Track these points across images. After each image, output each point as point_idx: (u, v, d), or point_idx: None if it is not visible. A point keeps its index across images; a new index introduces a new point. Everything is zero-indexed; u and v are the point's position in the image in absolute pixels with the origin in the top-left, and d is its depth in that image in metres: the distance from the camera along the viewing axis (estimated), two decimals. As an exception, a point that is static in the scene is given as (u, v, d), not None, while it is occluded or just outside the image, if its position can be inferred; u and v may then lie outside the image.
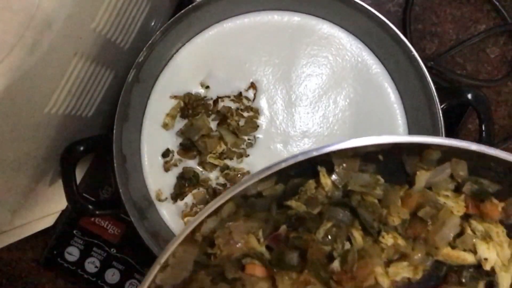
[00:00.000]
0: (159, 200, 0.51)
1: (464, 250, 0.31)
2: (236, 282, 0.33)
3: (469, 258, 0.31)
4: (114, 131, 0.46)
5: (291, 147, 0.52)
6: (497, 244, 0.31)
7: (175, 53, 0.52)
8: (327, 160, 0.33)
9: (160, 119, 0.51)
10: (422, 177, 0.31)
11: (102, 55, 0.45)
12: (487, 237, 0.31)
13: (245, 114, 0.51)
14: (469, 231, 0.31)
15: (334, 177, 0.33)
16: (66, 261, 0.57)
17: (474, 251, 0.31)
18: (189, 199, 0.51)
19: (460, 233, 0.31)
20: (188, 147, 0.51)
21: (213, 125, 0.51)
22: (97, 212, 0.49)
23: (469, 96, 0.47)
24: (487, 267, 0.32)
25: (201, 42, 0.52)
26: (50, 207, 0.52)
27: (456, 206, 0.30)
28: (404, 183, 0.33)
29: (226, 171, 0.51)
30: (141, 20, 0.49)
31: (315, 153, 0.31)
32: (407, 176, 0.33)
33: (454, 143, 0.28)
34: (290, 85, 0.52)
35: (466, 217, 0.31)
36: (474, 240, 0.31)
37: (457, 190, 0.31)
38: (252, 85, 0.52)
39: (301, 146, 0.52)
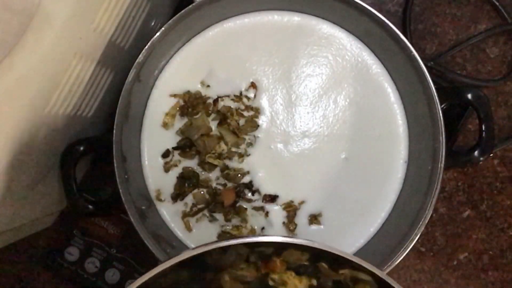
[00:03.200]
0: (159, 200, 0.51)
1: None
2: None
3: None
4: (114, 131, 0.46)
5: (291, 146, 0.52)
6: (291, 285, 0.40)
7: (175, 53, 0.52)
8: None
9: (160, 119, 0.51)
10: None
11: (102, 55, 0.45)
12: (283, 283, 0.40)
13: (246, 113, 0.51)
14: (271, 282, 0.41)
15: None
16: (66, 261, 0.57)
17: None
18: (189, 199, 0.51)
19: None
20: (184, 147, 0.51)
21: (213, 125, 0.51)
22: (97, 212, 0.49)
23: (469, 96, 0.47)
24: None
25: (201, 41, 0.52)
26: (50, 207, 0.52)
27: (248, 273, 0.40)
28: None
29: (226, 171, 0.51)
30: (141, 20, 0.49)
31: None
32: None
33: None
34: (290, 84, 0.52)
35: (266, 275, 0.41)
36: (275, 287, 0.40)
37: (248, 261, 0.40)
38: (253, 85, 0.52)
39: (301, 146, 0.52)
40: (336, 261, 0.37)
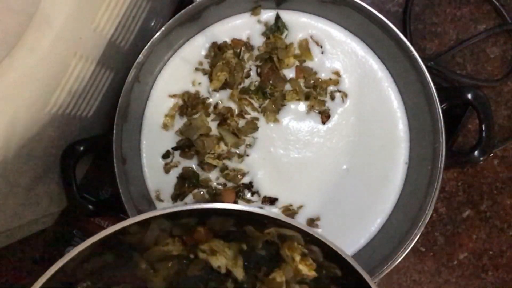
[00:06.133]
0: (159, 200, 0.51)
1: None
2: None
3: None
4: (114, 132, 0.46)
5: (292, 153, 0.51)
6: (220, 252, 0.39)
7: (175, 53, 0.52)
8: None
9: (160, 120, 0.51)
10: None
11: (102, 55, 0.45)
12: (213, 252, 0.40)
13: (246, 115, 0.51)
14: (202, 255, 0.40)
15: None
16: (66, 261, 0.57)
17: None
18: (189, 199, 0.51)
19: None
20: (184, 147, 0.51)
21: (213, 126, 0.51)
22: (97, 212, 0.49)
23: (469, 96, 0.47)
24: (223, 270, 0.40)
25: (202, 41, 0.52)
26: (50, 207, 0.52)
27: (174, 247, 0.39)
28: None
29: (226, 171, 0.51)
30: (141, 20, 0.49)
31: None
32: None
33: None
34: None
35: (195, 247, 0.40)
36: (205, 258, 0.40)
37: (172, 235, 0.39)
38: (253, 85, 0.52)
39: (302, 154, 0.51)
40: (261, 222, 0.36)
